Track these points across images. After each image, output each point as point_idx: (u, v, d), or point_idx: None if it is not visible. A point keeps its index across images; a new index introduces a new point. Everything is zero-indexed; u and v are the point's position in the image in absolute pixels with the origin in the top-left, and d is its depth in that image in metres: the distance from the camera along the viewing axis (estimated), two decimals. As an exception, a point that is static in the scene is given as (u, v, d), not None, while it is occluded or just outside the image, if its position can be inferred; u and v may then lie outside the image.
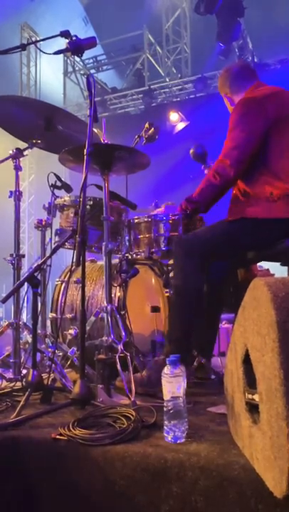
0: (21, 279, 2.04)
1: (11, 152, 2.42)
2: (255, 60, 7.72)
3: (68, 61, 9.53)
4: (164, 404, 1.37)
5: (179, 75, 8.93)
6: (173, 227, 2.50)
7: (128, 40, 9.11)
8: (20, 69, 9.56)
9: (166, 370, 1.37)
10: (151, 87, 8.62)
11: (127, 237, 2.65)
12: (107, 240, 2.18)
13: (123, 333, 2.10)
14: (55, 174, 2.44)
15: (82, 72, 9.60)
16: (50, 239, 2.55)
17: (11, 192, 2.47)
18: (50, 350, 2.31)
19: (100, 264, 2.84)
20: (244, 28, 7.58)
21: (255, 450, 1.10)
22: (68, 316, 2.69)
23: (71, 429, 1.39)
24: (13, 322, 2.31)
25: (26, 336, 2.42)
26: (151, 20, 9.02)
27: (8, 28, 8.75)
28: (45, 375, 2.00)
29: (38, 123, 2.43)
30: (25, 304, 2.31)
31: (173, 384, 1.35)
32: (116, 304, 2.43)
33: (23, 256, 2.48)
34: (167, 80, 8.68)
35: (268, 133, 2.12)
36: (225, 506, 1.09)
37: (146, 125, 2.71)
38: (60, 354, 2.34)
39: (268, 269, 3.69)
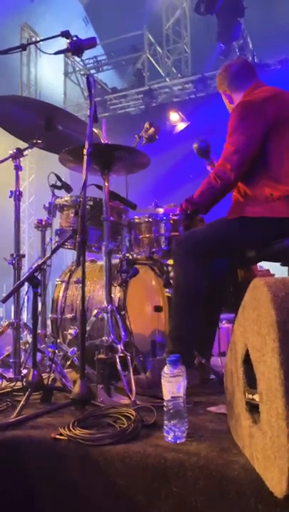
0: (21, 279, 2.04)
1: (11, 152, 2.42)
2: (256, 60, 7.72)
3: (68, 61, 9.53)
4: (164, 404, 1.37)
5: (179, 75, 8.92)
6: (173, 227, 2.50)
7: (128, 40, 9.10)
8: (20, 69, 9.55)
9: (166, 369, 1.37)
10: (152, 87, 8.61)
11: (127, 237, 2.65)
12: (107, 240, 2.18)
13: (123, 333, 2.10)
14: (55, 174, 2.44)
15: (82, 72, 9.59)
16: (51, 239, 2.55)
17: (11, 192, 2.47)
18: (50, 350, 2.31)
19: (100, 264, 2.85)
20: (244, 28, 7.59)
21: (256, 450, 1.10)
22: (68, 316, 2.69)
23: (71, 429, 1.39)
24: (13, 322, 2.31)
25: (26, 336, 2.42)
26: (151, 20, 9.01)
27: (8, 28, 8.75)
28: (45, 375, 2.00)
29: (38, 123, 2.42)
30: (25, 304, 2.31)
31: (173, 384, 1.35)
32: (116, 304, 2.43)
33: (23, 256, 2.47)
34: (167, 80, 8.67)
35: (267, 135, 2.13)
36: (225, 506, 1.09)
37: (146, 125, 2.71)
38: (61, 354, 2.34)
39: (268, 270, 3.68)
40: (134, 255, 2.58)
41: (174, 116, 8.07)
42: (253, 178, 2.16)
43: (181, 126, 8.07)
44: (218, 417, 1.59)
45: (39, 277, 2.08)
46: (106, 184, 2.24)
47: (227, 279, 2.43)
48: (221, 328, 2.59)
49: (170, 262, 2.73)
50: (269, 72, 7.34)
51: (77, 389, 1.70)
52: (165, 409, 1.37)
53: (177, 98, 8.62)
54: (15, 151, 2.42)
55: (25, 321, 2.52)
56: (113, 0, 9.90)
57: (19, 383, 2.13)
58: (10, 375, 2.27)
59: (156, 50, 9.04)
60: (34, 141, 2.48)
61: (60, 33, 1.84)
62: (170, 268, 2.66)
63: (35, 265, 2.05)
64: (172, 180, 6.93)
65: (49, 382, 1.98)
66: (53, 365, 2.05)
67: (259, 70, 6.85)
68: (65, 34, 1.84)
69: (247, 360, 1.19)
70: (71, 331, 2.47)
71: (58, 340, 2.45)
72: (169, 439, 1.34)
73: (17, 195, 2.46)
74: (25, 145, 2.49)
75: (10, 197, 2.48)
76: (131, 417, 1.45)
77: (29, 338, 2.31)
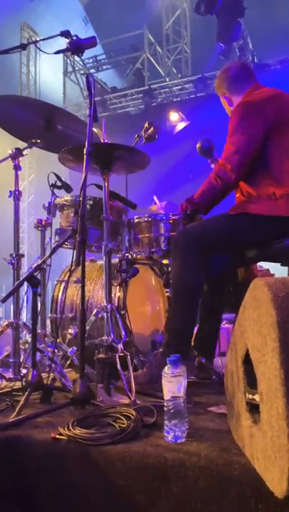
0: (21, 278, 2.04)
1: (10, 152, 2.42)
2: (256, 60, 7.73)
3: (68, 61, 9.53)
4: (165, 403, 1.37)
5: (179, 75, 8.93)
6: (173, 227, 2.50)
7: (128, 40, 9.11)
8: (20, 69, 9.56)
9: (167, 369, 1.37)
10: (151, 86, 8.62)
11: (126, 237, 2.65)
12: (107, 240, 2.18)
13: (123, 333, 2.09)
14: (55, 174, 2.44)
15: (82, 71, 9.59)
16: (50, 238, 2.55)
17: (10, 192, 2.46)
18: (49, 349, 2.31)
19: (99, 264, 2.84)
20: (244, 28, 7.59)
21: (256, 450, 1.10)
22: (68, 315, 2.69)
23: (71, 428, 1.39)
24: (12, 322, 2.31)
25: (26, 336, 2.42)
26: (151, 20, 9.02)
27: (8, 28, 8.75)
28: (44, 375, 2.00)
29: (38, 123, 2.42)
30: (25, 304, 2.31)
31: (173, 384, 1.35)
32: (116, 304, 2.43)
33: (23, 256, 2.47)
34: (167, 79, 8.68)
35: (267, 136, 2.13)
36: (225, 506, 1.09)
37: (146, 125, 2.71)
38: (60, 354, 2.34)
39: (268, 270, 3.68)
40: (134, 255, 2.57)
41: (173, 116, 8.07)
42: (254, 178, 2.16)
43: (181, 126, 8.07)
44: (219, 417, 1.59)
45: (39, 277, 2.08)
46: (106, 184, 2.24)
47: (227, 277, 2.43)
48: (221, 328, 2.59)
49: (165, 261, 2.74)
50: (269, 73, 7.35)
51: (77, 389, 1.70)
52: (165, 409, 1.36)
53: (177, 98, 8.63)
54: (14, 150, 2.42)
55: (24, 320, 2.51)
56: (113, 0, 9.90)
57: (19, 383, 2.13)
58: (9, 374, 2.26)
59: (156, 50, 9.05)
60: (34, 140, 2.48)
61: (59, 32, 1.84)
62: (169, 268, 2.66)
63: (35, 265, 2.05)
64: (172, 180, 6.93)
65: (49, 382, 1.98)
66: (53, 365, 2.05)
67: (259, 70, 6.90)
68: (65, 34, 1.83)
69: (247, 360, 1.19)
70: (71, 331, 2.47)
71: (58, 340, 2.44)
72: (169, 438, 1.34)
73: (16, 195, 2.46)
74: (25, 145, 2.49)
75: (9, 197, 2.47)
76: (131, 416, 1.45)
77: (29, 338, 2.30)
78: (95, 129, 2.49)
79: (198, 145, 2.57)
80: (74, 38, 1.83)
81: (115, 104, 9.07)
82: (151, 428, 1.46)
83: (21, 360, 2.29)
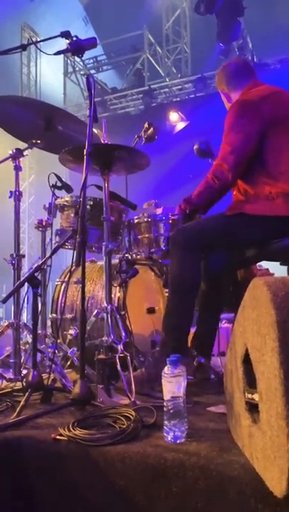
0: (21, 279, 2.04)
1: (10, 152, 2.42)
2: (255, 59, 7.72)
3: (68, 61, 9.54)
4: (164, 404, 1.37)
5: (179, 75, 8.93)
6: (172, 227, 2.50)
7: (128, 40, 9.11)
8: (20, 69, 9.56)
9: (167, 370, 1.37)
10: (151, 87, 8.62)
11: (126, 238, 2.65)
12: (107, 240, 2.18)
13: (123, 334, 2.10)
14: (55, 174, 2.44)
15: (82, 72, 9.60)
16: (51, 239, 2.55)
17: (10, 192, 2.47)
18: (50, 350, 2.31)
19: (99, 265, 2.85)
20: (244, 28, 7.58)
21: (255, 450, 1.10)
22: (68, 316, 2.69)
23: (71, 429, 1.39)
24: (13, 322, 2.31)
25: (26, 336, 2.42)
26: (151, 20, 9.02)
27: (8, 28, 8.75)
28: (45, 376, 2.00)
29: (38, 123, 2.42)
30: (25, 304, 2.31)
31: (173, 384, 1.35)
32: (116, 304, 2.43)
33: (23, 256, 2.47)
34: (167, 79, 8.68)
35: (264, 134, 2.13)
36: (225, 506, 1.09)
37: (146, 125, 2.71)
38: (60, 354, 2.34)
39: (267, 269, 3.68)
40: (134, 255, 2.57)
41: (173, 116, 8.07)
42: (251, 176, 2.16)
43: (180, 126, 8.08)
44: (218, 417, 1.59)
45: (39, 277, 2.08)
46: (106, 184, 2.24)
47: (225, 277, 2.43)
48: (221, 328, 2.59)
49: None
50: (269, 72, 7.35)
51: (77, 389, 1.70)
52: (165, 409, 1.37)
53: (177, 98, 8.63)
54: (14, 151, 2.43)
55: (25, 321, 2.52)
56: (113, 0, 9.90)
57: (19, 384, 2.13)
58: (10, 375, 2.26)
59: (156, 50, 9.05)
60: (34, 141, 2.48)
61: (60, 33, 1.84)
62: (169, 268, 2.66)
63: (36, 265, 2.05)
64: (172, 180, 6.93)
65: (49, 383, 1.98)
66: (53, 366, 2.05)
67: (259, 69, 6.88)
68: (66, 34, 1.83)
69: (247, 360, 1.19)
70: (71, 332, 2.47)
71: (58, 341, 2.45)
72: (169, 439, 1.34)
73: (17, 196, 2.46)
74: (25, 145, 2.49)
75: (10, 197, 2.48)
76: (131, 417, 1.45)
77: (29, 339, 2.31)
78: (95, 130, 2.49)
79: (195, 147, 2.57)
80: (74, 38, 1.84)
81: (115, 105, 9.07)
82: (151, 428, 1.46)
83: (22, 361, 2.29)
